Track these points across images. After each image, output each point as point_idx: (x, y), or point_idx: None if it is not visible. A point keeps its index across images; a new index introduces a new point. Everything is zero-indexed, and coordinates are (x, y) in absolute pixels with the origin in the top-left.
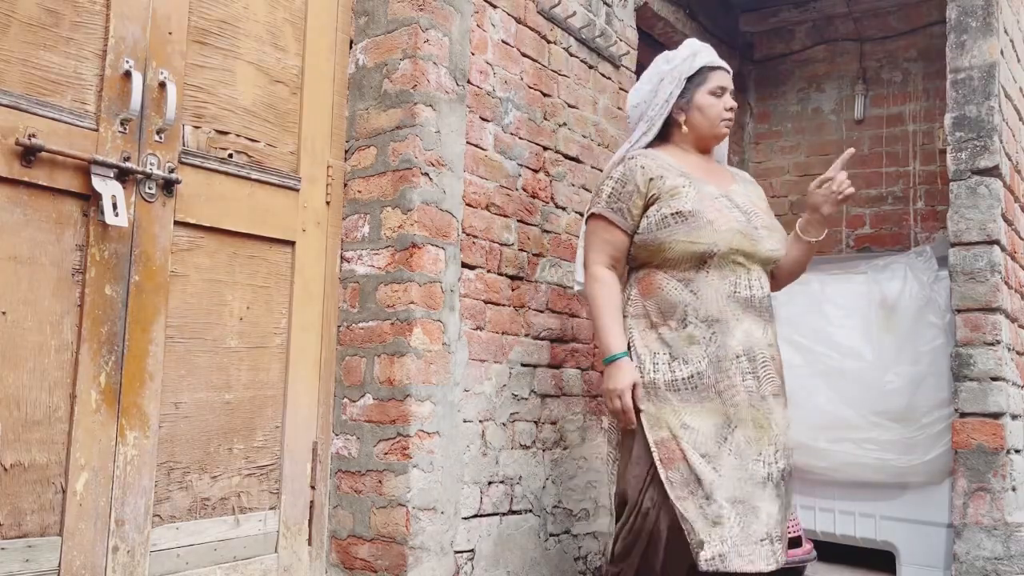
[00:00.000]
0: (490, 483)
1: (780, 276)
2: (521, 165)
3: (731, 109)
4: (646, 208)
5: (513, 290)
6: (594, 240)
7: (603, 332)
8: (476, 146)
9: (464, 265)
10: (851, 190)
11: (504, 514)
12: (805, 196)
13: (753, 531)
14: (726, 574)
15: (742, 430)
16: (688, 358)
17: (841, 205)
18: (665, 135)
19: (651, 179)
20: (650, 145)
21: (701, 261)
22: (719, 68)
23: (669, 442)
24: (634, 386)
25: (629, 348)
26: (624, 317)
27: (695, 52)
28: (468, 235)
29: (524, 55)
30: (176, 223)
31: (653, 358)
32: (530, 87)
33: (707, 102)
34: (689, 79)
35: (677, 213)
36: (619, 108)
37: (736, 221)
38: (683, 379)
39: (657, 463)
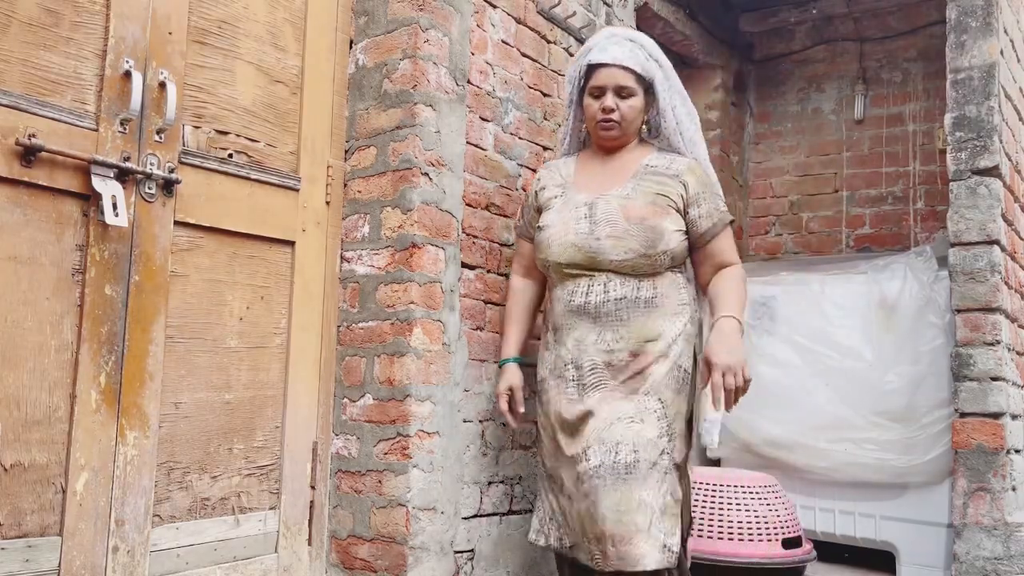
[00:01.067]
0: (490, 483)
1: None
2: (521, 165)
3: (607, 110)
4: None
5: None
6: (516, 252)
7: (505, 332)
8: (476, 146)
9: (464, 265)
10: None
11: (504, 514)
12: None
13: (573, 526)
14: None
15: (561, 435)
16: (542, 364)
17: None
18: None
19: (536, 191)
20: (582, 148)
21: (549, 271)
22: (602, 65)
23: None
24: (512, 389)
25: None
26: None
27: (589, 48)
28: (468, 235)
29: (524, 55)
30: (176, 223)
31: (542, 359)
32: (530, 87)
33: (587, 103)
34: (576, 81)
35: (541, 227)
36: None
37: (575, 234)
38: (539, 381)
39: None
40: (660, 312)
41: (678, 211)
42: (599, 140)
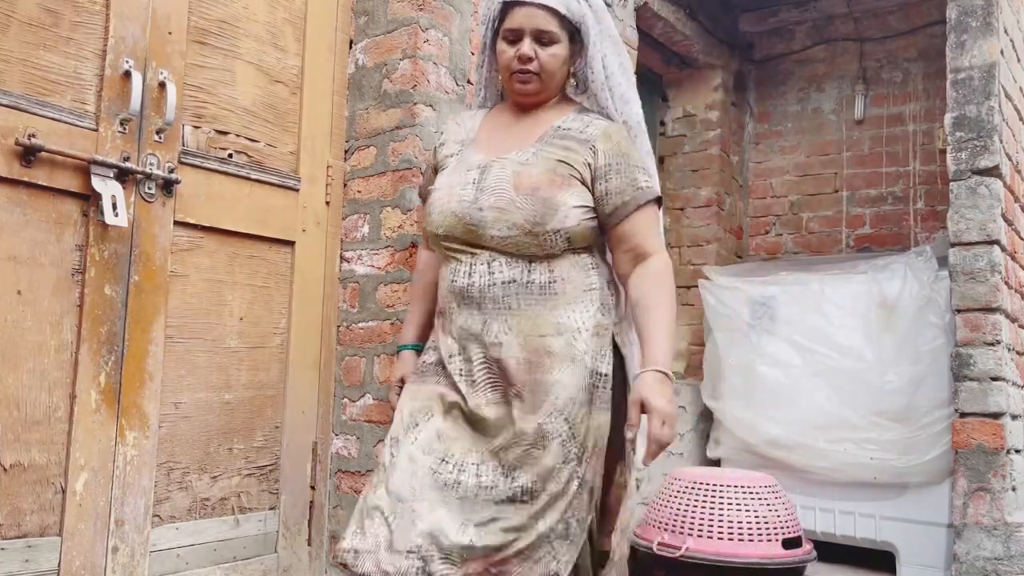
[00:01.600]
0: None
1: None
2: None
3: (524, 59)
4: None
5: None
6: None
7: (407, 314)
8: None
9: None
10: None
11: None
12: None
13: (403, 539)
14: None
15: (442, 423)
16: (429, 347)
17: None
18: None
19: (436, 147)
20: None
21: (433, 247)
22: (519, 3)
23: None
24: (404, 380)
25: None
26: None
27: None
28: None
29: None
30: (176, 223)
31: (429, 345)
32: None
33: (500, 49)
34: (492, 23)
35: (432, 190)
36: None
37: (457, 202)
38: (420, 364)
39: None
40: (558, 300)
41: (583, 183)
42: (514, 94)
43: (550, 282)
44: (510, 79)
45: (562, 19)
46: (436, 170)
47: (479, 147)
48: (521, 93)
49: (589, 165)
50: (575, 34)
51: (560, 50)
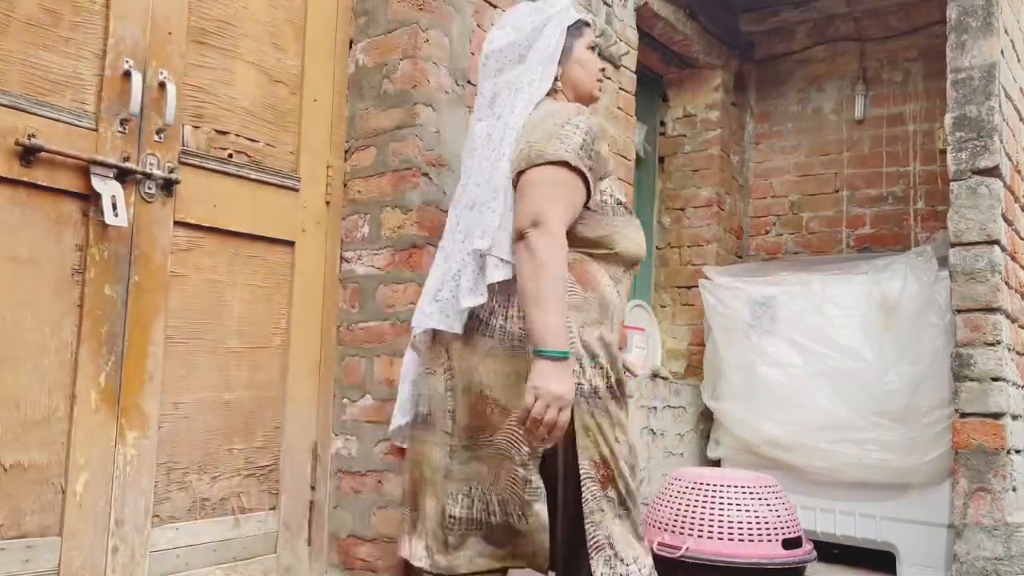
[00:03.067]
0: None
1: None
2: None
3: (603, 69)
4: (599, 180)
5: None
6: (557, 193)
7: (554, 315)
8: None
9: None
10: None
11: None
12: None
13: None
14: None
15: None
16: (615, 363)
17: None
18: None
19: (597, 143)
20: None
21: (632, 263)
22: (592, 25)
23: (609, 460)
24: None
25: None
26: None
27: (568, 5)
28: None
29: None
30: (176, 223)
31: (593, 361)
32: None
33: (586, 56)
34: (569, 30)
35: (621, 203)
36: (619, 108)
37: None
38: (616, 384)
39: (595, 485)
40: None
41: None
42: (591, 95)
43: None
44: (595, 84)
45: None
46: (601, 172)
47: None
48: (597, 98)
49: None
50: None
51: None
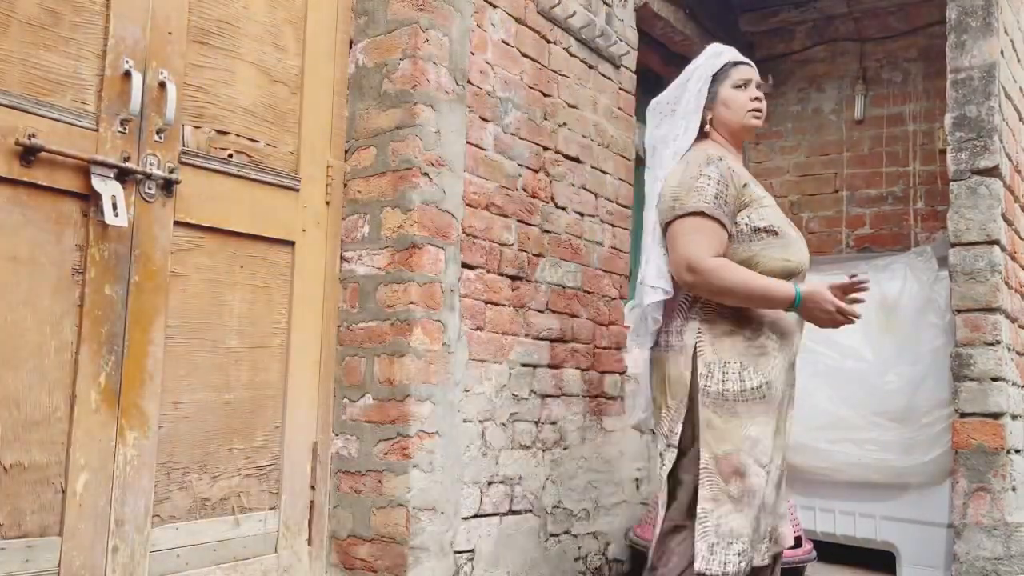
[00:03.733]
0: (490, 483)
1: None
2: (521, 165)
3: (757, 99)
4: (735, 214)
5: (513, 290)
6: (699, 237)
7: (769, 286)
8: (476, 146)
9: (464, 265)
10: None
11: (504, 514)
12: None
13: (762, 529)
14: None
15: (779, 438)
16: (758, 368)
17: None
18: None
19: (744, 184)
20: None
21: (787, 277)
22: (741, 63)
23: (732, 456)
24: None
25: (695, 353)
26: (691, 319)
27: (719, 52)
28: (468, 235)
29: (524, 55)
30: (176, 223)
31: (723, 367)
32: (530, 87)
33: (731, 95)
34: (714, 77)
35: (768, 229)
36: (619, 108)
37: (800, 239)
38: (752, 388)
39: (715, 476)
40: None
41: None
42: (744, 126)
43: None
44: (744, 115)
45: None
46: (738, 206)
47: (759, 187)
48: (754, 127)
49: None
50: None
51: None
